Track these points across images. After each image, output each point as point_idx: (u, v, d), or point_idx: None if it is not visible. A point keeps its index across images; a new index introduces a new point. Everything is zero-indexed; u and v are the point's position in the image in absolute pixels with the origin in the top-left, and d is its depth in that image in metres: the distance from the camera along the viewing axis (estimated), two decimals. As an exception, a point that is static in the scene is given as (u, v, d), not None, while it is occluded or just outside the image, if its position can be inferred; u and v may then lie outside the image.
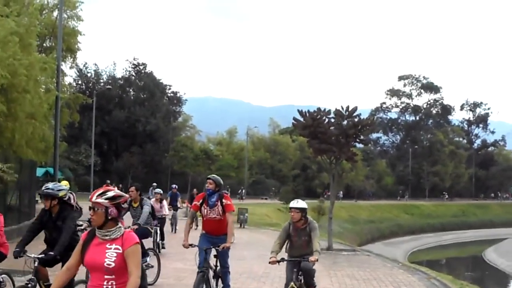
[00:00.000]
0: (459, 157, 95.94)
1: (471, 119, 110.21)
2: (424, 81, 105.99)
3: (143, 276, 4.27)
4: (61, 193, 7.27)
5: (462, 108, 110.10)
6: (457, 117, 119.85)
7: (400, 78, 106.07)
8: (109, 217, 4.25)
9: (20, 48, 20.35)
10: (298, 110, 21.38)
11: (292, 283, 7.85)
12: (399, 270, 15.34)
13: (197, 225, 16.01)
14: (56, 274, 4.91)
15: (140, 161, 66.71)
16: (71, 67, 40.36)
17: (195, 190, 29.71)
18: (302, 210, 8.00)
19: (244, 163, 73.84)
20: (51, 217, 7.30)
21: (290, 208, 8.09)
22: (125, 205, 4.49)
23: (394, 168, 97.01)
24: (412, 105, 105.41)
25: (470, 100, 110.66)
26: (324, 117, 20.68)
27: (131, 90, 75.73)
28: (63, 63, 30.78)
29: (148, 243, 11.81)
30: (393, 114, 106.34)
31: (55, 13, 32.05)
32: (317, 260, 7.82)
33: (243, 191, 62.87)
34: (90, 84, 70.83)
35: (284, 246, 8.23)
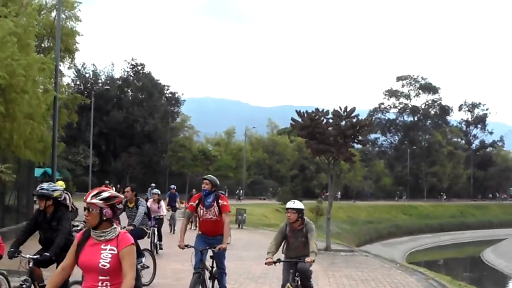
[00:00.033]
0: (457, 157, 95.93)
1: (470, 119, 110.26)
2: (423, 82, 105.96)
3: (138, 277, 4.26)
4: (55, 194, 7.25)
5: (460, 108, 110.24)
6: (456, 117, 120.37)
7: (398, 78, 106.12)
8: (104, 218, 4.25)
9: (18, 48, 20.32)
10: (296, 111, 21.41)
11: (288, 284, 7.83)
12: (397, 270, 15.35)
13: (196, 226, 15.99)
14: (50, 274, 4.89)
15: (138, 161, 66.73)
16: (69, 68, 40.40)
17: (194, 190, 29.68)
18: (299, 211, 7.96)
19: (242, 163, 73.81)
20: (45, 217, 7.28)
21: (287, 209, 8.04)
22: (120, 206, 4.48)
23: (392, 168, 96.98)
24: (410, 106, 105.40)
25: (469, 101, 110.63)
26: (322, 118, 20.70)
27: (129, 90, 75.63)
28: (61, 63, 30.71)
29: (144, 243, 11.79)
30: (391, 115, 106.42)
31: (53, 14, 31.99)
32: (313, 261, 7.80)
33: (241, 191, 62.91)
34: (88, 85, 70.69)
35: (281, 247, 8.21)
